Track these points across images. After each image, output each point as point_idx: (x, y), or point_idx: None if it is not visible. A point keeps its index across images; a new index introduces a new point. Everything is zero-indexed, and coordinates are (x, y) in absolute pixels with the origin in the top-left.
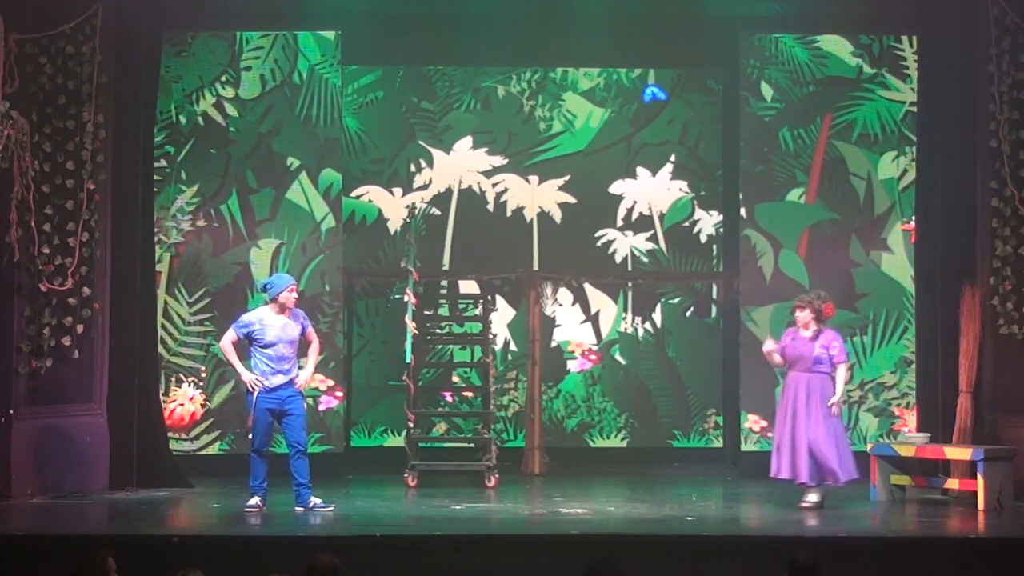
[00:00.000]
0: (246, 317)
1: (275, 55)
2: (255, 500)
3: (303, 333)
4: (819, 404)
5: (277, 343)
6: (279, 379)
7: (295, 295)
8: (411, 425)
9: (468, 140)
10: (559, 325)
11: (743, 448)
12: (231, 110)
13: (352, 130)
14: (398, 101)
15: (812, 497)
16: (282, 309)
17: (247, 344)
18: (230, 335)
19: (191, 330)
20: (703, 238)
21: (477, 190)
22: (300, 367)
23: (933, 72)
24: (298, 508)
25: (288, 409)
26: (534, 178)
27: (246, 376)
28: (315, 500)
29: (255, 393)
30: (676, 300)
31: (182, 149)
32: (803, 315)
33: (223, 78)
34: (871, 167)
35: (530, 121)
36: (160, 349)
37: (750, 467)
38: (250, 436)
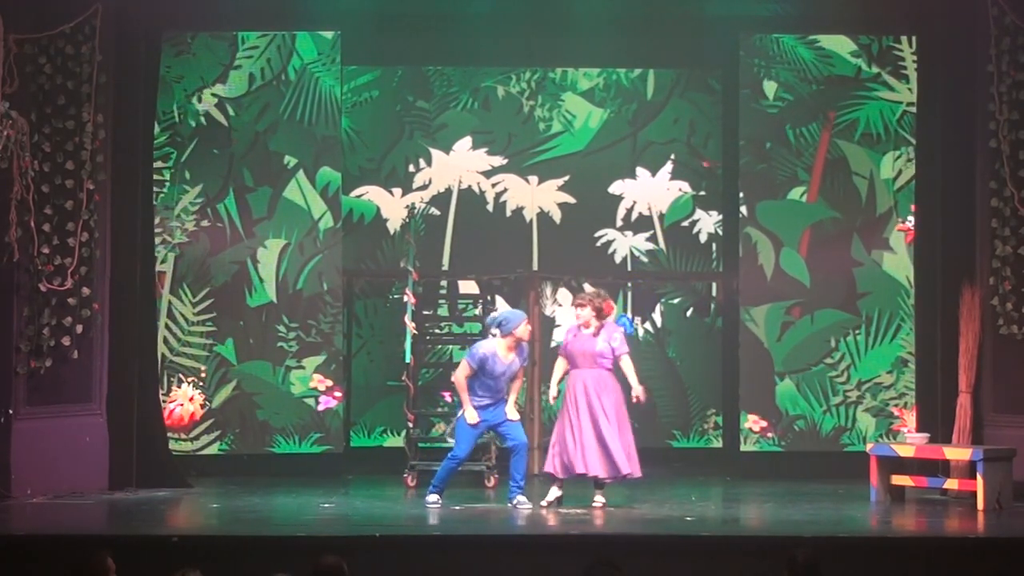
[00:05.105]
0: (481, 350)
1: (269, 54)
2: (435, 496)
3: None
4: (610, 399)
5: (501, 378)
6: (490, 399)
7: (530, 327)
8: (411, 425)
9: (468, 140)
10: (559, 325)
11: (743, 448)
12: (231, 110)
13: (348, 130)
14: (395, 101)
15: (601, 498)
16: (516, 345)
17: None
18: (465, 369)
19: (194, 330)
20: (703, 237)
21: (477, 190)
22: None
23: (933, 72)
24: (509, 504)
25: (502, 421)
26: (534, 178)
27: (471, 415)
28: (520, 498)
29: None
30: (676, 300)
31: (185, 149)
32: (584, 312)
33: (223, 78)
34: (873, 166)
35: (529, 121)
36: (164, 349)
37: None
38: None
